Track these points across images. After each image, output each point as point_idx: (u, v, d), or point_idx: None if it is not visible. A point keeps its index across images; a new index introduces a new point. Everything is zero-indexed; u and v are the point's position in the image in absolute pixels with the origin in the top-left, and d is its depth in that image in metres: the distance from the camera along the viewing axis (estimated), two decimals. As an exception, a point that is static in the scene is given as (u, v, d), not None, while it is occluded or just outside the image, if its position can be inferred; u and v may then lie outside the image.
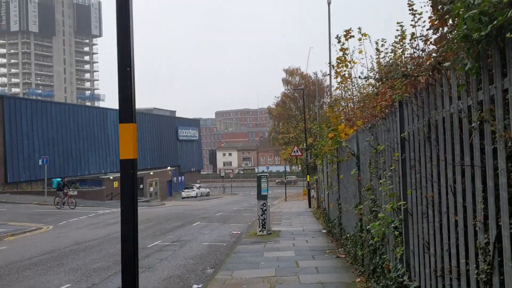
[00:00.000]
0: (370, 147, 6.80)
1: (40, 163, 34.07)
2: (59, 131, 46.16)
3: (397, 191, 5.31)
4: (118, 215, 24.67)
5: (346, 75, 10.99)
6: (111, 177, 47.53)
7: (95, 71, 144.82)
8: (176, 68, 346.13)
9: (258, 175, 14.77)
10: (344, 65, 10.87)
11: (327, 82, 62.18)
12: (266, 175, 14.70)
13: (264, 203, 14.57)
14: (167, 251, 12.34)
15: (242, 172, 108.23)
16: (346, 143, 8.93)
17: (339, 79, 11.10)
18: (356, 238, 8.57)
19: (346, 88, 11.47)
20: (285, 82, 61.25)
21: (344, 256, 9.87)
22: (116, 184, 47.47)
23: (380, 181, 5.76)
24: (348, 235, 9.50)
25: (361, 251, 7.79)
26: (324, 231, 14.93)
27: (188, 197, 55.17)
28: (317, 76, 56.62)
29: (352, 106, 11.43)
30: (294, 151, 28.50)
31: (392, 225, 5.35)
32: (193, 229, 17.75)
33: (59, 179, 30.20)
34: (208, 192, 61.84)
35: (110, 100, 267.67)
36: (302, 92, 33.00)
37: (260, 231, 14.46)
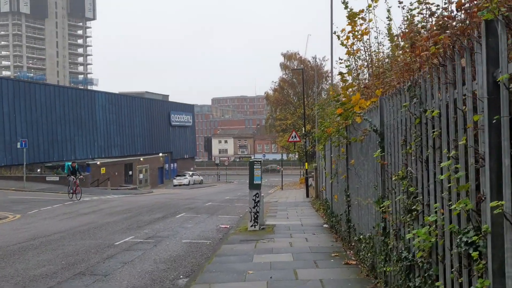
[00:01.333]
0: (408, 117, 4.60)
1: (18, 146, 31.74)
2: (43, 114, 43.76)
3: (472, 181, 3.11)
4: (95, 204, 22.43)
5: (359, 36, 8.73)
6: (98, 163, 45.30)
7: (89, 55, 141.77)
8: (172, 54, 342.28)
9: (250, 161, 12.56)
10: (354, 26, 8.61)
11: (326, 68, 60.01)
12: (260, 161, 12.49)
13: (257, 193, 12.38)
14: (136, 251, 10.14)
15: (238, 160, 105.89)
16: (364, 116, 6.68)
17: (350, 42, 8.81)
18: (375, 242, 6.39)
19: (357, 54, 9.18)
20: (283, 66, 59.02)
21: (355, 263, 7.71)
22: (103, 170, 45.31)
23: (443, 164, 3.53)
24: (361, 237, 7.32)
25: (386, 264, 5.61)
26: (326, 225, 12.77)
27: (180, 185, 52.98)
28: (316, 61, 54.27)
29: (366, 75, 9.18)
30: (292, 137, 26.33)
31: (463, 239, 3.15)
32: (176, 221, 15.56)
33: (69, 163, 26.90)
34: (202, 180, 59.67)
35: (104, 84, 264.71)
36: (301, 73, 30.67)
37: (251, 225, 12.28)
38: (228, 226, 14.19)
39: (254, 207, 12.27)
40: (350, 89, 8.64)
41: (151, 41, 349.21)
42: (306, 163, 26.98)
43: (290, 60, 58.95)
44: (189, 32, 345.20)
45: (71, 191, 24.76)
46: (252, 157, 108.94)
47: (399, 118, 5.03)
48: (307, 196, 26.45)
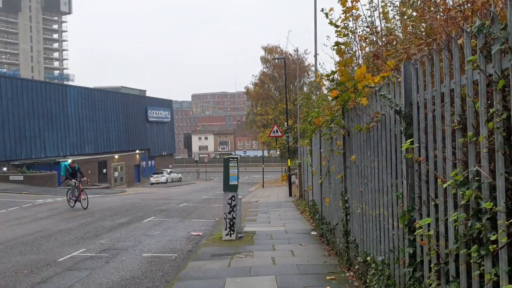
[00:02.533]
0: (470, 81, 2.72)
1: (-24, 143, 29.20)
2: (9, 108, 41.05)
3: None
4: (56, 206, 20.15)
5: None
6: (69, 161, 42.66)
7: (65, 50, 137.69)
8: (150, 50, 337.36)
9: (225, 157, 10.60)
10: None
11: (308, 61, 58.22)
12: (237, 158, 10.52)
13: (233, 196, 10.44)
14: (81, 271, 8.12)
15: (218, 156, 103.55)
16: (381, 91, 4.72)
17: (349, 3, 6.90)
18: (394, 273, 4.52)
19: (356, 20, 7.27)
20: (264, 60, 57.07)
21: (359, 291, 5.84)
22: (75, 168, 42.73)
23: None
24: (369, 259, 5.44)
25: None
26: (314, 233, 10.90)
27: (157, 183, 50.70)
28: (298, 54, 52.40)
29: (367, 49, 7.29)
30: (274, 131, 24.45)
31: None
32: (141, 228, 13.53)
33: (67, 163, 19.73)
34: (180, 177, 57.42)
35: (81, 80, 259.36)
36: (283, 63, 28.71)
37: (227, 234, 10.35)
38: (200, 234, 12.23)
39: (229, 213, 10.32)
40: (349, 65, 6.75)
41: (129, 37, 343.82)
42: (289, 160, 25.13)
43: (271, 53, 56.96)
44: (168, 27, 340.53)
45: (74, 197, 18.46)
46: (233, 154, 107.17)
47: (448, 87, 3.14)
48: (290, 195, 24.61)
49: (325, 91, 11.67)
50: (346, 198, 7.06)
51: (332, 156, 8.44)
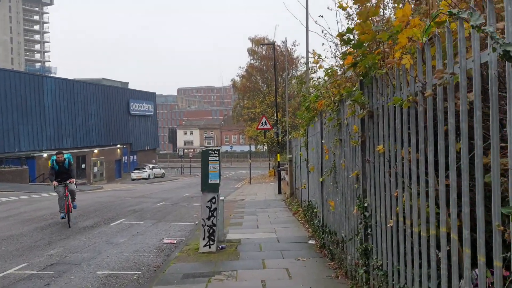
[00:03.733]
0: None
1: None
2: (-20, 99, 38.53)
3: None
4: (18, 205, 17.52)
5: None
6: (45, 155, 40.41)
7: (46, 41, 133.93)
8: (136, 44, 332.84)
9: (203, 149, 8.56)
10: None
11: (297, 53, 56.52)
12: (218, 151, 8.50)
13: (214, 197, 8.44)
14: (6, 301, 6.09)
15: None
16: (474, 19, 2.72)
17: None
18: None
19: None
20: (251, 52, 55.04)
21: None
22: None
23: None
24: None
25: None
26: (312, 242, 8.95)
27: (138, 179, 48.44)
28: (286, 45, 50.31)
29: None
30: (262, 123, 22.46)
31: None
32: (106, 233, 11.48)
33: (54, 157, 13.28)
34: (163, 173, 55.19)
35: (64, 73, 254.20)
36: (272, 54, 26.61)
37: (205, 245, 8.36)
38: (175, 242, 10.23)
39: (208, 218, 8.33)
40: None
41: (114, 30, 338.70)
42: (278, 154, 23.17)
43: (258, 45, 54.95)
44: (153, 21, 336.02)
45: (62, 210, 12.70)
46: (214, 146, 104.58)
47: None
48: (280, 192, 22.67)
49: (323, 76, 9.75)
50: (365, 205, 5.11)
51: (340, 148, 6.49)
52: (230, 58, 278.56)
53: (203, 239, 8.34)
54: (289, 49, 51.26)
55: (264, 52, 53.82)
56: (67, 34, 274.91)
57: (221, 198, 9.34)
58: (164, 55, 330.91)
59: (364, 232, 5.17)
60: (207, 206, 8.36)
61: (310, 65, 10.17)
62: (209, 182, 8.35)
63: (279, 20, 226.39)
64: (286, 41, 58.42)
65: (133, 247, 9.73)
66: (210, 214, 8.32)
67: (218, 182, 8.36)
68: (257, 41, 54.69)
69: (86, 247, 9.65)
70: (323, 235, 8.10)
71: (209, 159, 8.33)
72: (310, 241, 9.03)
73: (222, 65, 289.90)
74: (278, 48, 52.43)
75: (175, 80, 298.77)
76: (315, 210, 9.30)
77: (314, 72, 11.55)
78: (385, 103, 4.33)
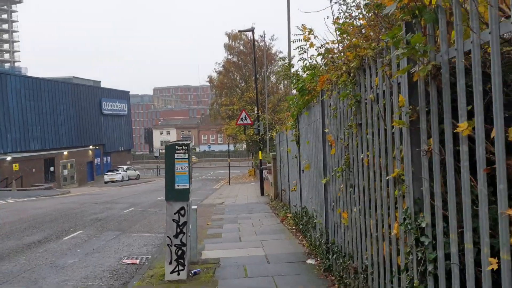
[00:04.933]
0: None
1: None
2: None
3: None
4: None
5: None
6: (8, 158, 37.66)
7: (15, 41, 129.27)
8: (110, 42, 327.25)
9: (168, 144, 6.46)
10: None
11: (276, 47, 54.81)
12: (187, 146, 6.42)
13: (183, 208, 6.37)
14: None
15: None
16: None
17: None
18: None
19: None
20: (228, 47, 52.92)
21: None
22: (16, 166, 37.84)
23: None
24: None
25: None
26: (312, 261, 6.95)
27: (112, 182, 45.89)
28: (265, 40, 48.29)
29: None
30: (242, 119, 20.41)
31: None
32: (54, 251, 9.31)
33: None
34: (138, 175, 52.64)
35: (35, 74, 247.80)
36: (252, 35, 24.53)
37: (172, 271, 6.29)
38: (137, 262, 8.14)
39: (176, 236, 6.27)
40: None
41: (87, 29, 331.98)
42: (260, 152, 21.14)
43: (235, 40, 52.89)
44: (127, 19, 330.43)
45: None
46: (197, 149, 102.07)
47: None
48: (262, 194, 20.67)
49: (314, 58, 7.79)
50: (421, 225, 3.13)
51: (359, 137, 4.53)
52: (207, 57, 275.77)
53: (170, 263, 6.27)
54: (267, 44, 49.47)
55: (241, 47, 51.86)
56: (37, 33, 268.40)
57: (193, 207, 7.30)
58: (140, 54, 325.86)
59: (418, 269, 3.18)
60: (174, 220, 6.29)
61: (299, 43, 8.18)
62: (176, 187, 6.29)
63: (258, 12, 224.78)
64: (264, 35, 56.26)
65: (82, 271, 7.60)
66: (179, 230, 6.26)
67: (188, 187, 6.30)
68: (234, 36, 52.64)
69: (21, 274, 7.49)
70: (329, 255, 6.11)
71: (176, 156, 6.27)
72: (309, 261, 7.03)
73: (200, 64, 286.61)
74: (256, 42, 50.53)
75: (152, 80, 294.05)
76: (314, 220, 7.30)
77: (304, 51, 9.51)
78: (476, 45, 2.35)
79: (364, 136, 4.39)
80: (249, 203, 17.56)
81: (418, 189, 3.23)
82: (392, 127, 3.65)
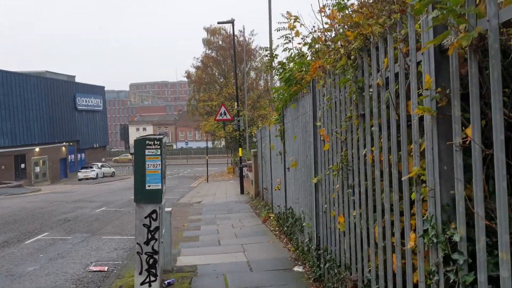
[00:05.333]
0: None
1: None
2: None
3: None
4: None
5: None
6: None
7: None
8: (86, 36, 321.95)
9: (138, 138, 5.70)
10: None
11: (256, 43, 54.58)
12: (160, 140, 5.66)
13: (155, 211, 5.62)
14: None
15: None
16: None
17: None
18: None
19: None
20: (206, 42, 52.05)
21: None
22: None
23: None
24: None
25: None
26: (300, 269, 6.28)
27: (86, 179, 44.58)
28: (244, 35, 47.52)
29: None
30: (221, 114, 19.64)
31: None
32: (13, 257, 8.45)
33: None
34: (113, 172, 51.32)
35: (5, 67, 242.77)
36: (232, 27, 23.55)
37: (143, 282, 5.54)
38: (105, 269, 7.36)
39: (147, 243, 5.52)
40: None
41: (63, 25, 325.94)
42: (240, 149, 20.42)
43: (214, 35, 52.05)
44: (107, 13, 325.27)
45: None
46: (174, 146, 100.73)
47: None
48: (242, 192, 19.97)
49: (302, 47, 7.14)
50: (455, 238, 2.48)
51: (360, 130, 3.87)
52: (185, 53, 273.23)
53: (140, 273, 5.52)
54: (247, 39, 48.78)
55: (220, 42, 51.06)
56: (11, 27, 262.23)
57: (167, 209, 6.57)
58: (117, 50, 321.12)
59: (448, 293, 2.53)
60: (144, 225, 5.55)
61: (283, 32, 7.53)
62: (147, 187, 5.54)
63: (238, 8, 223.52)
64: (244, 30, 55.53)
65: (42, 280, 6.80)
66: (150, 236, 5.52)
67: (160, 187, 5.56)
68: (213, 31, 51.80)
69: (-28, 285, 6.65)
70: (320, 263, 5.45)
71: (147, 153, 5.53)
72: (296, 268, 6.36)
73: (178, 60, 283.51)
74: (236, 37, 49.70)
75: (128, 76, 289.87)
76: (302, 223, 6.63)
77: (289, 41, 8.80)
78: None
79: (368, 128, 3.73)
80: (228, 202, 16.84)
81: (447, 193, 2.58)
82: (407, 116, 3.00)
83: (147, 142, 5.55)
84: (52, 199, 20.37)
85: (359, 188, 3.99)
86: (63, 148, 49.89)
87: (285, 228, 8.34)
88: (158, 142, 5.56)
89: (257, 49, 50.45)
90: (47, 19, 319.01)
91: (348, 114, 4.19)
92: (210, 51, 50.35)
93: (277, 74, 8.31)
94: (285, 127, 8.42)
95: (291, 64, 7.57)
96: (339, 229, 4.58)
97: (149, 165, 5.51)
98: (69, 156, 51.51)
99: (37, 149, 44.08)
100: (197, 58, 52.55)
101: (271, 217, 10.85)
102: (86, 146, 56.57)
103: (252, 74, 50.39)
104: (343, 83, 4.01)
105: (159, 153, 5.54)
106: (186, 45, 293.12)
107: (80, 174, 45.69)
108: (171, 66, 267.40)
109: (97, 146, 59.79)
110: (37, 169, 43.90)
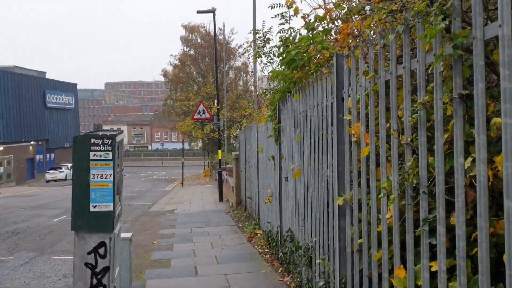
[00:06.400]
0: None
1: None
2: None
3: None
4: None
5: None
6: None
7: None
8: (59, 33, 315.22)
9: (79, 136, 3.90)
10: None
11: (236, 42, 52.69)
12: (111, 138, 3.84)
13: (103, 244, 3.76)
14: None
15: (132, 149, 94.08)
16: None
17: None
18: None
19: None
20: (184, 40, 50.12)
21: None
22: None
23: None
24: None
25: None
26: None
27: (54, 180, 42.05)
28: (224, 33, 45.61)
29: None
30: (199, 112, 17.78)
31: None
32: None
33: None
34: (84, 173, 48.80)
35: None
36: (213, 17, 21.73)
37: None
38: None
39: (90, 292, 3.66)
40: None
41: (33, 19, 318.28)
42: (220, 151, 18.57)
43: (193, 33, 50.16)
44: (78, 11, 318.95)
45: None
46: (149, 147, 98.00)
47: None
48: (221, 199, 18.11)
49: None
50: None
51: (440, 126, 2.11)
52: (162, 53, 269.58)
53: (79, 337, 3.68)
54: (226, 38, 46.97)
55: (199, 39, 49.18)
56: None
57: (125, 235, 4.73)
58: (92, 48, 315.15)
59: None
60: (87, 265, 3.70)
61: (279, 9, 5.89)
62: (91, 209, 3.70)
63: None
64: (224, 27, 53.63)
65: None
66: (95, 281, 3.67)
67: (112, 208, 3.71)
68: (191, 29, 49.93)
69: None
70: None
71: (91, 156, 3.68)
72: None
73: (154, 60, 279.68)
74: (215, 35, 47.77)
75: (104, 75, 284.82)
76: (310, 254, 4.87)
77: (286, 21, 7.03)
78: None
79: (483, 119, 1.99)
80: (206, 210, 14.99)
81: None
82: None
83: (92, 140, 3.71)
84: (9, 205, 18.18)
85: (458, 230, 2.24)
86: (31, 147, 47.21)
87: (280, 254, 6.57)
88: (110, 141, 3.73)
89: (237, 48, 48.70)
90: (22, 11, 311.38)
91: (423, 98, 2.46)
92: (188, 49, 48.44)
93: (276, 54, 6.58)
94: (281, 125, 6.66)
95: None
96: (396, 286, 2.83)
97: (95, 175, 3.67)
98: (37, 156, 48.84)
99: (1, 148, 41.37)
100: (175, 56, 50.57)
101: (258, 234, 9.08)
102: (56, 146, 53.87)
103: (231, 74, 48.67)
104: (431, 37, 2.24)
105: (110, 157, 3.71)
106: (165, 43, 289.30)
107: (48, 175, 43.13)
108: (149, 66, 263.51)
109: (68, 146, 56.86)
110: (1, 169, 41.22)
